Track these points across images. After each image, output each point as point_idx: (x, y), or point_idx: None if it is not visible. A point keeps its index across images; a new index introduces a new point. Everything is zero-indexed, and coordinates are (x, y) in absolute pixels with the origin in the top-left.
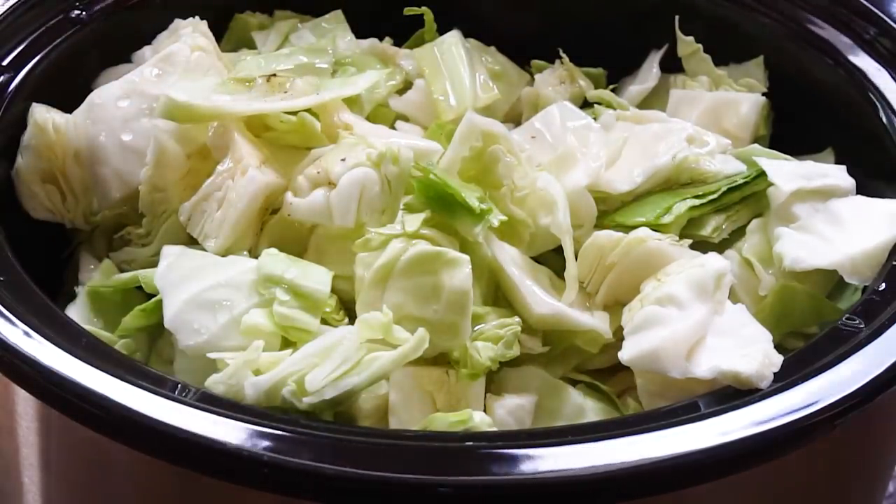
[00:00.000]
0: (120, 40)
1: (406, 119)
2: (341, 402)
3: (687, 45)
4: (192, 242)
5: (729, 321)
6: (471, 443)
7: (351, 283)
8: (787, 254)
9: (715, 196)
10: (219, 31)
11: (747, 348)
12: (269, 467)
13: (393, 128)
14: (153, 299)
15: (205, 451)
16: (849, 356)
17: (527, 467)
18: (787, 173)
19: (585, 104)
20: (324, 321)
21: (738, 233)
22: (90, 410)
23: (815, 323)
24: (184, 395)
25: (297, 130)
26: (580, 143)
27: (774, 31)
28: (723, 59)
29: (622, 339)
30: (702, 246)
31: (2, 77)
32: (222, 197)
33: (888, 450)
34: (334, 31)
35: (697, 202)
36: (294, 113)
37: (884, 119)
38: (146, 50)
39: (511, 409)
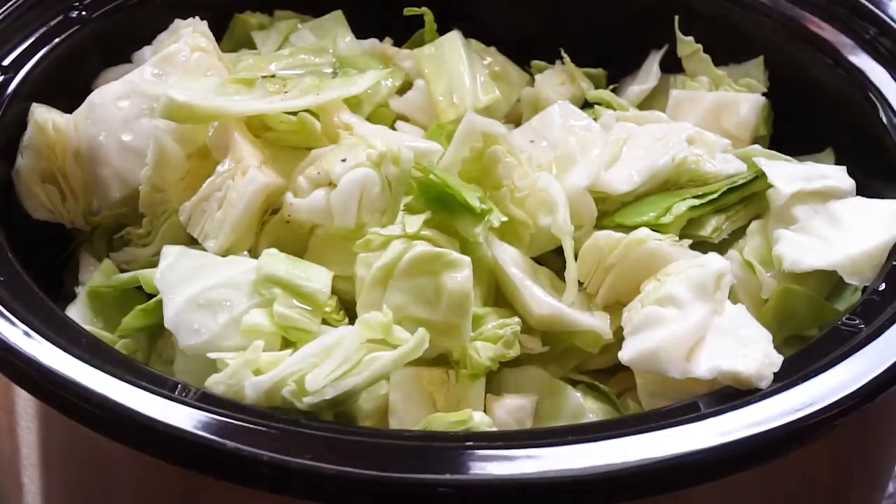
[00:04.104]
0: (120, 40)
1: (406, 119)
2: (341, 402)
3: (687, 45)
4: (192, 242)
5: (729, 321)
6: (471, 443)
7: (351, 284)
8: (786, 255)
9: (715, 196)
10: (219, 31)
11: (747, 348)
12: (269, 467)
13: (393, 128)
14: (153, 299)
15: (205, 451)
16: (849, 356)
17: (527, 467)
18: (787, 175)
19: (585, 105)
20: (324, 321)
21: (738, 233)
22: (90, 410)
23: (816, 325)
24: (184, 395)
25: (297, 131)
26: (580, 144)
27: (774, 31)
28: (723, 59)
29: (622, 339)
30: (702, 246)
31: (2, 77)
32: (222, 197)
33: (888, 450)
34: (334, 31)
35: (697, 202)
36: (294, 113)
37: (884, 119)
38: (146, 50)
39: (511, 409)
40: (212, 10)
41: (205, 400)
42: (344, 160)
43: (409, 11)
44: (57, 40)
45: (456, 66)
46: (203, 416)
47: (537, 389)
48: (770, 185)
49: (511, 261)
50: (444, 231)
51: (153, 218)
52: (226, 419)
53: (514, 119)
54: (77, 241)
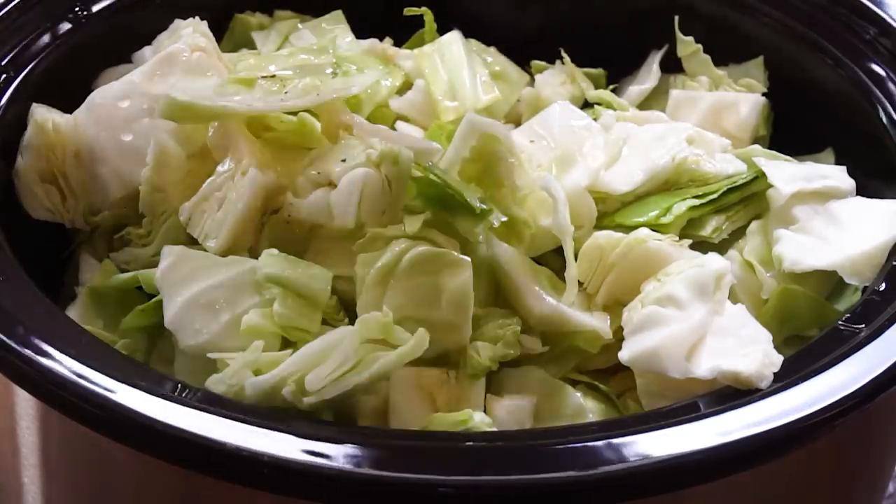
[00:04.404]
0: (120, 40)
1: (406, 119)
2: (341, 403)
3: (687, 45)
4: (192, 243)
5: (729, 321)
6: (471, 443)
7: (351, 284)
8: (786, 255)
9: (715, 196)
10: (219, 31)
11: (747, 348)
12: (269, 467)
13: (393, 128)
14: (153, 299)
15: (205, 451)
16: (849, 356)
17: (527, 467)
18: (787, 175)
19: (585, 105)
20: (324, 321)
21: (738, 233)
22: (90, 410)
23: (816, 326)
24: (184, 395)
25: (297, 131)
26: (580, 144)
27: (774, 31)
28: (723, 59)
29: (622, 339)
30: (702, 246)
31: (2, 77)
32: (222, 197)
33: (888, 450)
34: (334, 31)
35: (697, 202)
36: (294, 113)
37: (884, 119)
38: (146, 50)
39: (511, 410)
40: (212, 10)
41: (205, 400)
42: (344, 160)
43: (409, 11)
44: (57, 40)
45: (456, 66)
46: (203, 416)
47: (537, 389)
48: (770, 185)
49: (511, 261)
50: (445, 231)
51: (153, 218)
52: (226, 419)
53: (514, 119)
54: (77, 241)
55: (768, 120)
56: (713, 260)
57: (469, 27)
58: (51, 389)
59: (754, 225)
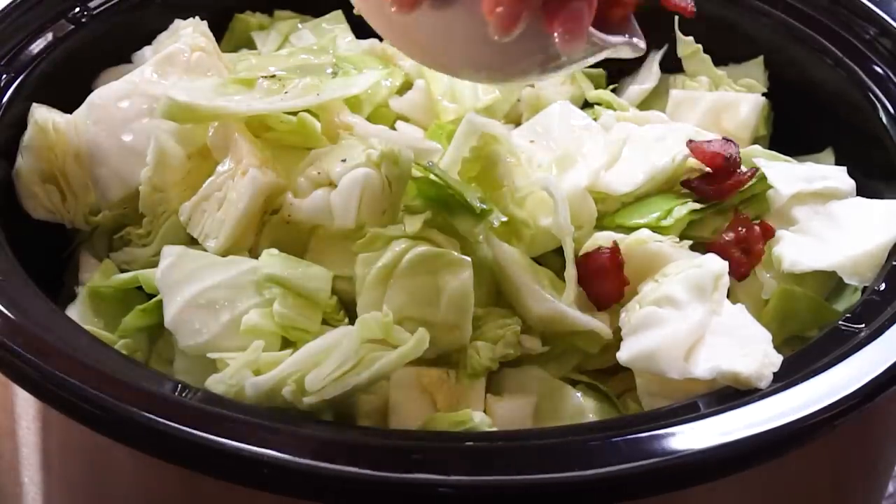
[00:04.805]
0: (120, 40)
1: (406, 119)
2: (341, 403)
3: (687, 45)
4: (192, 243)
5: (728, 321)
6: (471, 443)
7: (351, 284)
8: (786, 256)
9: None
10: (219, 31)
11: (747, 348)
12: (269, 467)
13: (393, 128)
14: (153, 299)
15: (205, 451)
16: (848, 357)
17: (527, 467)
18: (787, 176)
19: (585, 105)
20: (324, 321)
21: None
22: (90, 410)
23: (816, 326)
24: (184, 395)
25: (297, 131)
26: (580, 144)
27: (774, 31)
28: (723, 59)
29: (622, 339)
30: (701, 247)
31: (2, 77)
32: (223, 197)
33: (888, 450)
34: (334, 31)
35: (698, 206)
36: (294, 113)
37: (884, 119)
38: (146, 50)
39: (511, 410)
40: (212, 10)
41: (205, 400)
42: (344, 160)
43: None
44: (57, 40)
45: None
46: (203, 416)
47: (537, 389)
48: (770, 186)
49: (511, 261)
50: (445, 231)
51: (153, 218)
52: (226, 419)
53: (514, 119)
54: (77, 241)
55: (768, 120)
56: (711, 260)
57: None
58: (51, 389)
59: None
